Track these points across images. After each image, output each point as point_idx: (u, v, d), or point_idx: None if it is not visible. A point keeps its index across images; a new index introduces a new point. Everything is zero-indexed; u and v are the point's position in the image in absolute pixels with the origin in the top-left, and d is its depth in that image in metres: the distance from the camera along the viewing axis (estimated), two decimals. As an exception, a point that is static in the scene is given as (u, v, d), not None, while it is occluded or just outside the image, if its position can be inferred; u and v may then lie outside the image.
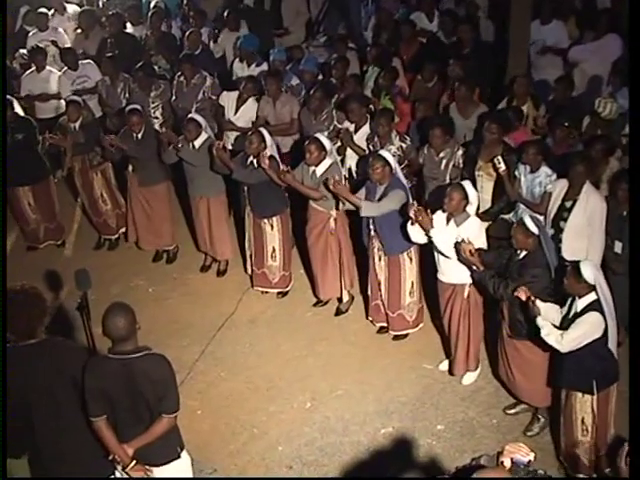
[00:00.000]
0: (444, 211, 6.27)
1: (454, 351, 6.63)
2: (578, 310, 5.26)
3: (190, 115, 8.02)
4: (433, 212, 6.31)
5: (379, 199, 6.72)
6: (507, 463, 3.67)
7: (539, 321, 5.35)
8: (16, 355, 4.57)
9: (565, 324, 5.34)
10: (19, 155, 8.41)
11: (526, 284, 5.56)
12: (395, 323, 7.18)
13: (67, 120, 8.51)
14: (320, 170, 7.13)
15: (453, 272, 6.30)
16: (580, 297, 5.26)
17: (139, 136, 8.12)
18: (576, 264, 5.27)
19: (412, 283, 7.02)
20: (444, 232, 6.19)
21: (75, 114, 8.43)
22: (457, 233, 6.11)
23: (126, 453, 4.63)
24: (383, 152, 6.79)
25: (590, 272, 5.19)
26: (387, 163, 6.64)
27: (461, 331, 6.50)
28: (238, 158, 7.59)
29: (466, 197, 6.14)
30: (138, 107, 8.19)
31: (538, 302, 5.38)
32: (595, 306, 5.19)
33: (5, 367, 4.50)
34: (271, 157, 7.31)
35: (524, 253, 5.73)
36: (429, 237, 6.26)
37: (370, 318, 7.41)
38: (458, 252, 6.02)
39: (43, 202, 8.96)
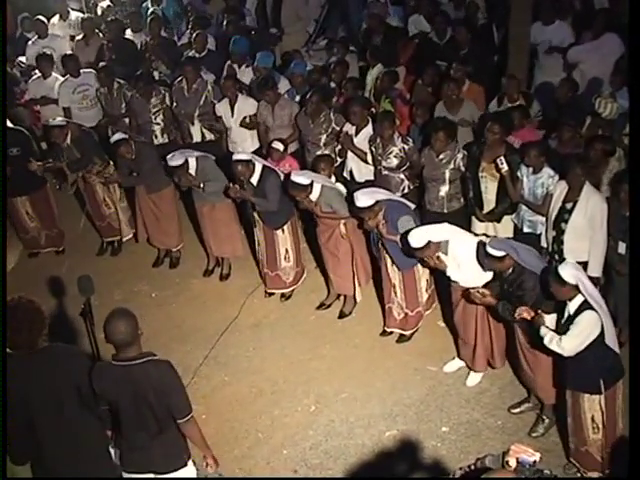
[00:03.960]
0: None
1: (473, 349, 6.59)
2: (571, 313, 5.23)
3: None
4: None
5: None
6: (512, 463, 3.66)
7: (542, 331, 5.36)
8: (17, 363, 4.57)
9: (561, 329, 5.32)
10: (15, 167, 8.40)
11: (520, 299, 5.63)
12: (412, 321, 7.19)
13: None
14: (314, 196, 7.17)
15: (465, 279, 6.29)
16: (570, 300, 5.23)
17: (132, 156, 8.19)
18: (555, 269, 5.22)
19: (427, 280, 7.07)
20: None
21: (61, 136, 8.42)
22: (450, 260, 6.21)
23: None
24: (361, 202, 6.58)
25: (569, 273, 5.14)
26: (372, 207, 6.61)
27: (479, 330, 6.47)
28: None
29: (429, 243, 6.13)
30: (122, 137, 8.18)
31: (542, 314, 5.41)
32: (587, 305, 5.17)
33: (5, 373, 4.50)
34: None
35: (510, 269, 5.78)
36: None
37: (386, 326, 7.37)
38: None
39: (42, 210, 9.00)
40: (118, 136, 8.20)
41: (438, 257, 6.25)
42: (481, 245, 6.04)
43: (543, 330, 5.37)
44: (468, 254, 6.16)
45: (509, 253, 5.67)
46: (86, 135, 8.74)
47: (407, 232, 6.29)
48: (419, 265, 6.90)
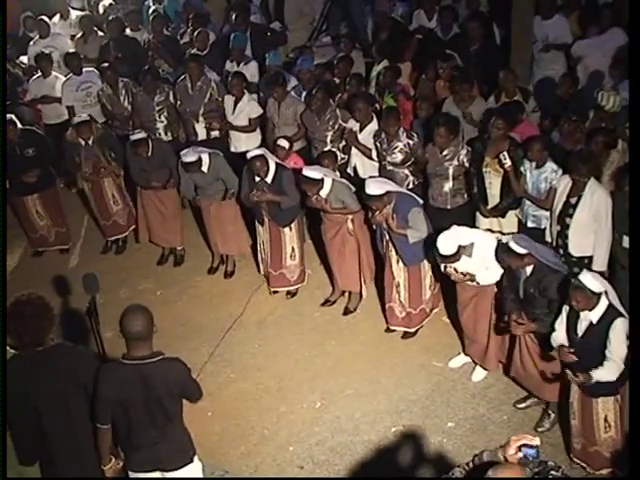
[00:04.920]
0: None
1: (485, 347, 6.56)
2: (594, 321, 5.13)
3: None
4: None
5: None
6: (512, 452, 3.64)
7: (596, 377, 5.11)
8: (25, 362, 4.59)
9: (578, 338, 5.23)
10: (29, 167, 8.46)
11: (549, 306, 5.59)
12: (416, 319, 7.18)
13: (77, 137, 8.48)
14: (325, 192, 7.15)
15: (489, 279, 6.27)
16: (591, 310, 5.12)
17: (149, 154, 8.21)
18: (577, 281, 5.10)
19: (431, 277, 7.06)
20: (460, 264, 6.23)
21: (88, 132, 8.43)
22: (476, 262, 6.15)
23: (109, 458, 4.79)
24: (371, 189, 6.59)
25: (594, 282, 5.05)
26: (381, 196, 6.61)
27: (492, 329, 6.45)
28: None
29: (457, 253, 6.08)
30: (142, 136, 8.17)
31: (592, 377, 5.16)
32: (612, 312, 5.08)
33: (5, 373, 4.51)
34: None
35: (529, 270, 5.70)
36: None
37: (389, 323, 7.36)
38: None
39: (52, 207, 9.00)
40: (138, 135, 8.18)
41: (468, 274, 6.20)
42: (502, 241, 5.99)
43: (596, 375, 5.10)
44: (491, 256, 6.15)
45: (531, 251, 5.60)
46: (108, 134, 8.79)
47: (435, 241, 6.16)
48: (425, 263, 6.91)
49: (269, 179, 7.47)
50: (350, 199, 7.17)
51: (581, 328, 5.23)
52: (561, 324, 5.39)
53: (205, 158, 7.82)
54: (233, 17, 10.57)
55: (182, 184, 8.12)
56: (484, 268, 6.19)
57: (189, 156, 7.71)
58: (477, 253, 6.14)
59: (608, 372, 5.11)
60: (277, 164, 7.50)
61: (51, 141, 8.92)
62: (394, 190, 6.74)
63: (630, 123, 6.08)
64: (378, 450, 6.10)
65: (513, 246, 5.62)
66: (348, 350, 7.22)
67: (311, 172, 7.08)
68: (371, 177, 7.24)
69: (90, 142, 8.47)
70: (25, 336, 4.54)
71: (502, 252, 5.83)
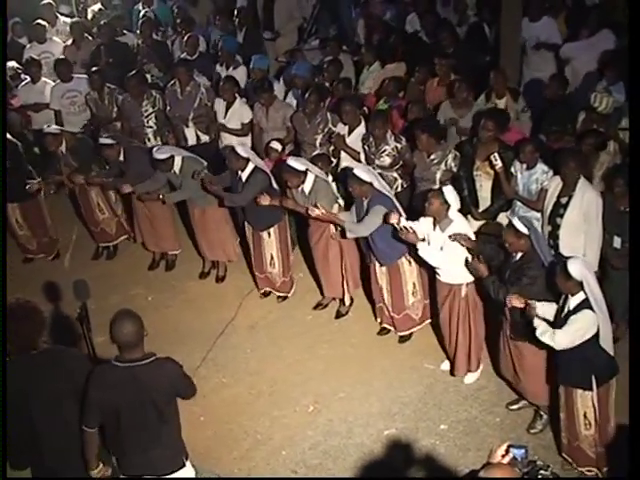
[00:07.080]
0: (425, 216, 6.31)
1: (454, 352, 6.61)
2: (571, 308, 5.22)
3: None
4: (419, 217, 6.43)
5: (366, 214, 6.71)
6: (501, 453, 3.63)
7: (535, 322, 5.36)
8: (18, 365, 4.59)
9: (559, 322, 5.32)
10: (6, 177, 8.34)
11: (524, 287, 5.57)
12: (401, 323, 7.17)
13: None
14: (307, 187, 7.13)
15: (449, 273, 6.29)
16: (572, 295, 5.21)
17: (121, 158, 8.17)
18: (564, 262, 5.19)
19: (414, 284, 7.01)
20: (432, 239, 6.24)
21: (54, 143, 8.40)
22: (443, 239, 6.15)
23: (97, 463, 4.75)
24: (357, 171, 6.64)
25: (576, 269, 5.10)
26: (363, 181, 6.60)
27: (460, 332, 6.47)
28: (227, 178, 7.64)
29: (445, 202, 6.11)
30: (108, 142, 8.12)
31: (536, 303, 5.39)
32: (586, 304, 5.15)
33: (5, 376, 4.51)
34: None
35: (519, 255, 5.70)
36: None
37: (379, 320, 7.37)
38: (466, 263, 6.03)
39: (33, 218, 8.94)
40: (104, 140, 8.16)
41: (414, 232, 6.21)
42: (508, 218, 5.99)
43: (536, 321, 5.35)
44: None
45: (530, 235, 5.60)
46: (82, 143, 8.70)
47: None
48: (405, 266, 6.89)
49: (244, 177, 7.42)
50: (325, 201, 7.08)
51: (564, 313, 5.31)
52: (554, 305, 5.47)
53: (177, 160, 7.75)
54: (235, 13, 10.65)
55: (150, 179, 8.03)
56: (439, 247, 6.18)
57: (161, 153, 7.66)
58: (448, 232, 6.12)
59: (548, 337, 5.24)
60: (255, 167, 7.41)
61: (28, 148, 8.88)
62: (378, 187, 6.70)
63: (630, 125, 6.09)
64: (371, 453, 6.09)
65: (515, 222, 5.62)
66: (340, 353, 7.22)
67: (295, 163, 7.05)
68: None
69: (63, 151, 8.44)
70: (18, 340, 4.56)
71: (505, 229, 5.81)
